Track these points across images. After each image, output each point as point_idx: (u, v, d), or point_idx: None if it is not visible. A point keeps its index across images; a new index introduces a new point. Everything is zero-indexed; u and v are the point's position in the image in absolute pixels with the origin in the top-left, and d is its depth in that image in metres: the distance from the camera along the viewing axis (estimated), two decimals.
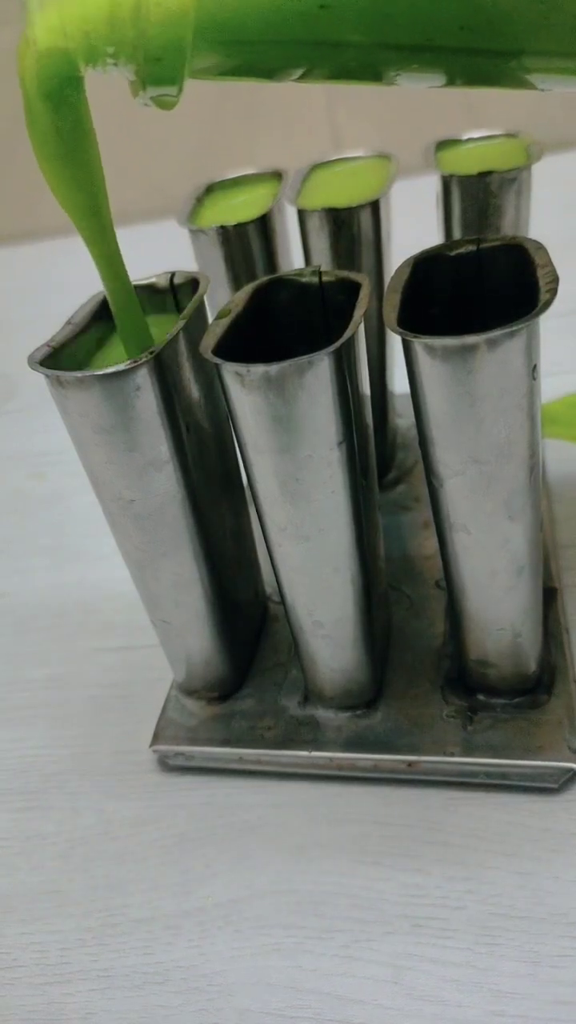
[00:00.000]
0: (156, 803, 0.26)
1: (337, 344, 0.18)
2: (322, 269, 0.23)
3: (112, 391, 0.20)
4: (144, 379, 0.20)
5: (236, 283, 0.30)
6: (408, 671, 0.27)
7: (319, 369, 0.18)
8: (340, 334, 0.19)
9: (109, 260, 0.20)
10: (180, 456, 0.22)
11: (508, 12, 0.15)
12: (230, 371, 0.19)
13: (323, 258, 0.29)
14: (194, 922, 0.23)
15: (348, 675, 0.25)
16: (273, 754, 0.26)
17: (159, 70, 0.16)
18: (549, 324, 0.18)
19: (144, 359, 0.20)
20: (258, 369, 0.18)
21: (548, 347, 0.20)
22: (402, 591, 0.30)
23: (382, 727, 0.25)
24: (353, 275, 0.22)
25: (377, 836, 0.24)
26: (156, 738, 0.27)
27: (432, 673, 0.26)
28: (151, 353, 0.20)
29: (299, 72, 0.17)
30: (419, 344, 0.18)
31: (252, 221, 0.29)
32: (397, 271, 0.21)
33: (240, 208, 0.31)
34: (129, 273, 0.22)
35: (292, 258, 0.32)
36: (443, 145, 0.32)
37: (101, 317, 0.23)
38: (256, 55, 0.16)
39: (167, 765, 0.27)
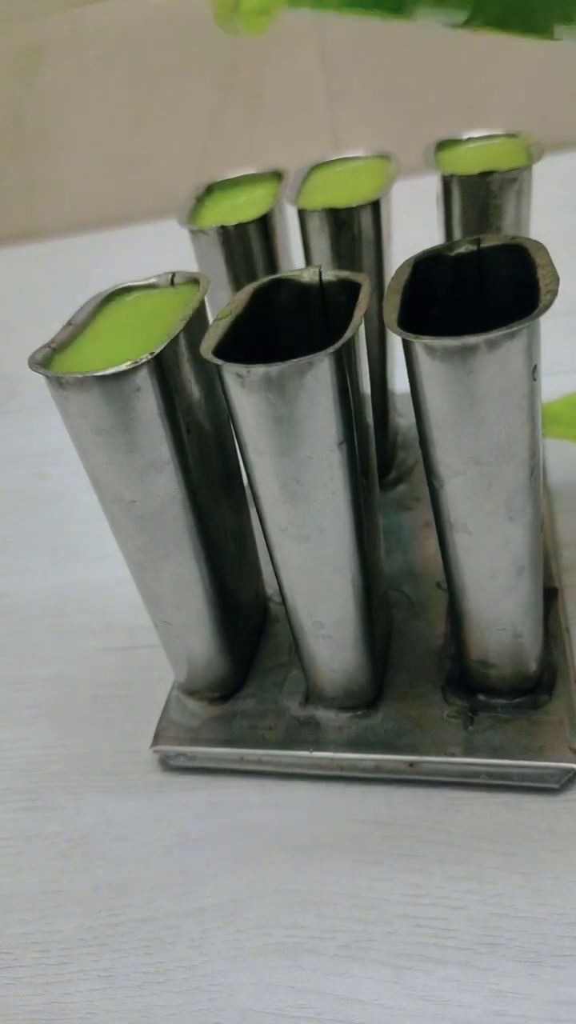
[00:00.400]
0: (157, 803, 0.26)
1: (337, 345, 0.18)
2: (322, 269, 0.23)
3: (112, 392, 0.20)
4: (144, 380, 0.20)
5: (236, 283, 0.30)
6: (409, 671, 0.27)
7: (319, 370, 0.18)
8: (340, 334, 0.19)
9: None
10: (181, 457, 0.22)
11: None
12: (230, 372, 0.19)
13: (323, 258, 0.29)
14: (195, 922, 0.23)
15: (349, 675, 0.25)
16: (274, 754, 0.26)
17: None
18: (550, 324, 0.18)
19: (144, 360, 0.20)
20: (258, 370, 0.18)
21: (549, 347, 0.20)
22: (403, 591, 0.30)
23: (383, 727, 0.25)
24: (353, 275, 0.22)
25: (378, 836, 0.24)
26: (157, 738, 0.27)
27: (433, 673, 0.26)
28: (151, 354, 0.20)
29: None
30: (419, 345, 0.18)
31: (253, 221, 0.29)
32: (397, 271, 0.21)
33: (241, 208, 0.31)
34: (129, 274, 0.22)
35: (292, 258, 0.32)
36: (443, 145, 0.32)
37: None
38: None
39: (168, 765, 0.27)
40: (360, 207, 0.28)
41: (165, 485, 0.22)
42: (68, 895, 0.25)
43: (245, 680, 0.28)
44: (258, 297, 0.23)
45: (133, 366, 0.19)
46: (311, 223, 0.29)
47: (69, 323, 0.23)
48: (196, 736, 0.27)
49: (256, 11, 0.16)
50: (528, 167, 0.28)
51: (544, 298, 0.18)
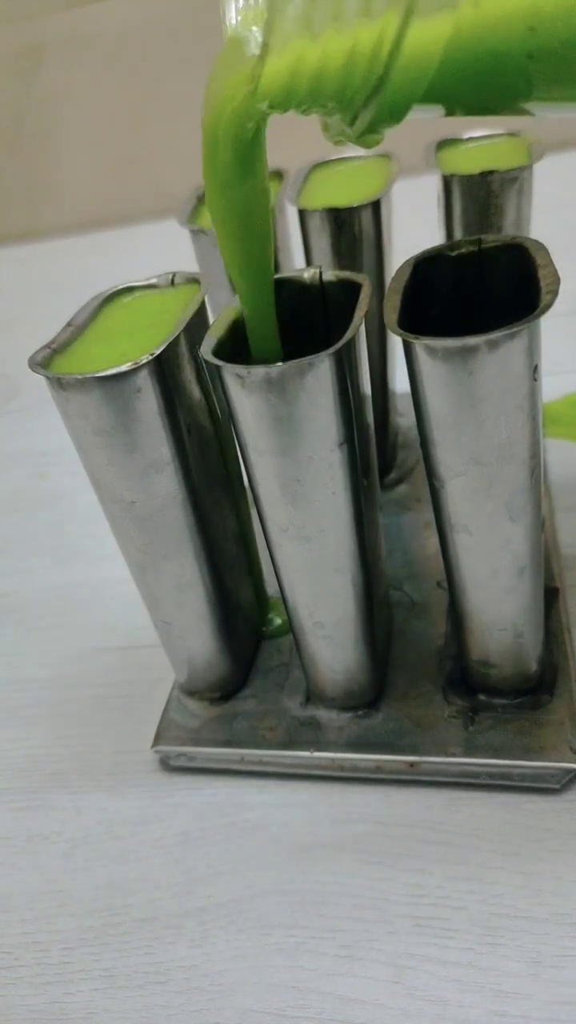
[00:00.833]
0: (158, 803, 0.26)
1: (338, 345, 0.18)
2: (323, 269, 0.23)
3: (112, 393, 0.20)
4: (144, 381, 0.20)
5: None
6: (410, 671, 0.27)
7: (320, 370, 0.18)
8: (341, 334, 0.19)
9: (259, 283, 0.20)
10: (181, 458, 0.22)
11: None
12: (230, 373, 0.19)
13: (324, 258, 0.29)
14: (196, 922, 0.23)
15: (350, 676, 0.25)
16: (275, 755, 0.26)
17: (387, 112, 0.16)
18: (550, 323, 0.18)
19: (145, 360, 0.20)
20: (258, 371, 0.18)
21: (549, 346, 0.20)
22: (403, 591, 0.30)
23: (384, 728, 0.25)
24: (354, 275, 0.22)
25: (379, 836, 0.24)
26: (158, 739, 0.27)
27: (434, 673, 0.26)
28: (152, 354, 0.20)
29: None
30: (420, 345, 0.18)
31: None
32: (398, 271, 0.21)
33: None
34: (130, 274, 0.22)
35: (293, 258, 0.32)
36: (444, 144, 0.32)
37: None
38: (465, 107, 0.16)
39: (169, 765, 0.27)
40: (361, 207, 0.28)
41: (166, 486, 0.22)
42: (69, 895, 0.25)
43: (246, 680, 0.28)
44: None
45: (133, 367, 0.19)
46: (311, 223, 0.29)
47: (69, 323, 0.23)
48: (197, 736, 0.27)
49: (366, 130, 0.16)
50: (529, 166, 0.28)
51: (545, 298, 0.18)
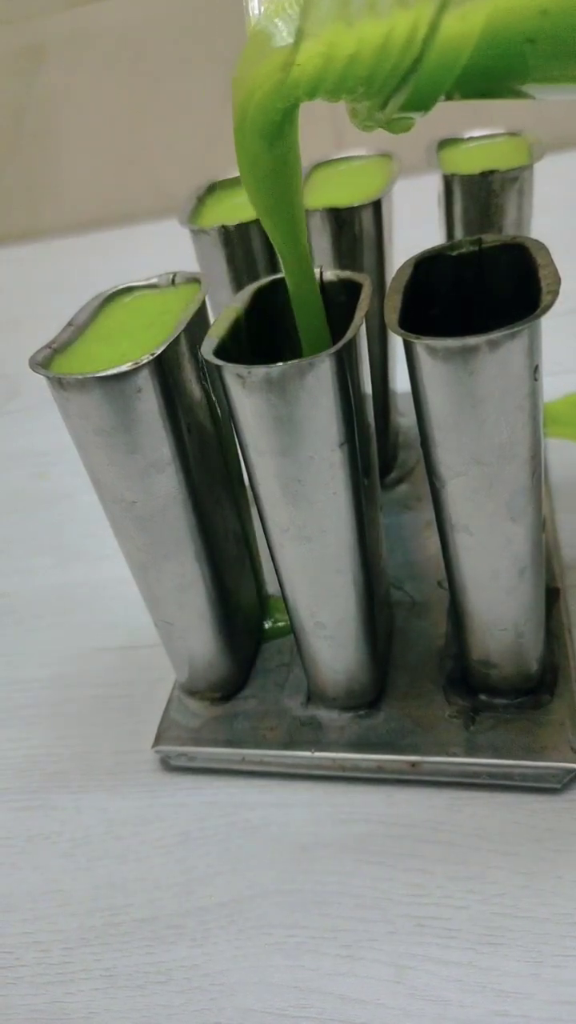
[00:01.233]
0: (158, 803, 0.26)
1: (338, 345, 0.18)
2: (323, 269, 0.23)
3: (113, 393, 0.20)
4: (145, 381, 0.20)
5: (237, 283, 0.30)
6: (410, 671, 0.27)
7: (320, 371, 0.18)
8: (341, 334, 0.19)
9: (300, 265, 0.20)
10: (182, 458, 0.22)
11: None
12: (231, 373, 0.19)
13: (325, 258, 0.29)
14: (197, 921, 0.23)
15: (350, 676, 0.25)
16: (276, 755, 0.26)
17: (417, 98, 0.16)
18: (550, 323, 0.18)
19: (145, 360, 0.20)
20: (259, 371, 0.18)
21: (550, 346, 0.20)
22: (404, 591, 0.30)
23: (385, 727, 0.25)
24: (354, 275, 0.22)
25: (380, 836, 0.24)
26: (159, 739, 0.27)
27: (434, 673, 0.26)
28: (152, 354, 0.20)
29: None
30: (420, 345, 0.18)
31: (254, 221, 0.29)
32: (399, 271, 0.21)
33: (242, 207, 0.31)
34: (130, 274, 0.22)
35: None
36: (445, 144, 0.32)
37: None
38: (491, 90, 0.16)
39: (169, 765, 0.27)
40: (361, 206, 0.28)
41: (166, 486, 0.22)
42: (69, 895, 0.25)
43: (246, 680, 0.28)
44: (259, 297, 0.23)
45: (134, 367, 0.19)
46: (312, 222, 0.28)
47: (70, 323, 0.23)
48: (197, 736, 0.27)
49: (396, 117, 0.16)
50: (530, 166, 0.28)
51: (545, 298, 0.18)
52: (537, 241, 0.20)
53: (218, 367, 0.19)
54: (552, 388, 0.34)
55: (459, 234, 0.30)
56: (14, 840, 0.27)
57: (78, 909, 0.24)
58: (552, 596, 0.28)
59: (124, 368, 0.19)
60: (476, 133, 0.32)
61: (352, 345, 0.19)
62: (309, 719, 0.26)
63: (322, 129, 0.74)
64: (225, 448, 0.25)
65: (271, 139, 0.17)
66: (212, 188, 0.32)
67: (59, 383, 0.20)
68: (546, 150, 0.29)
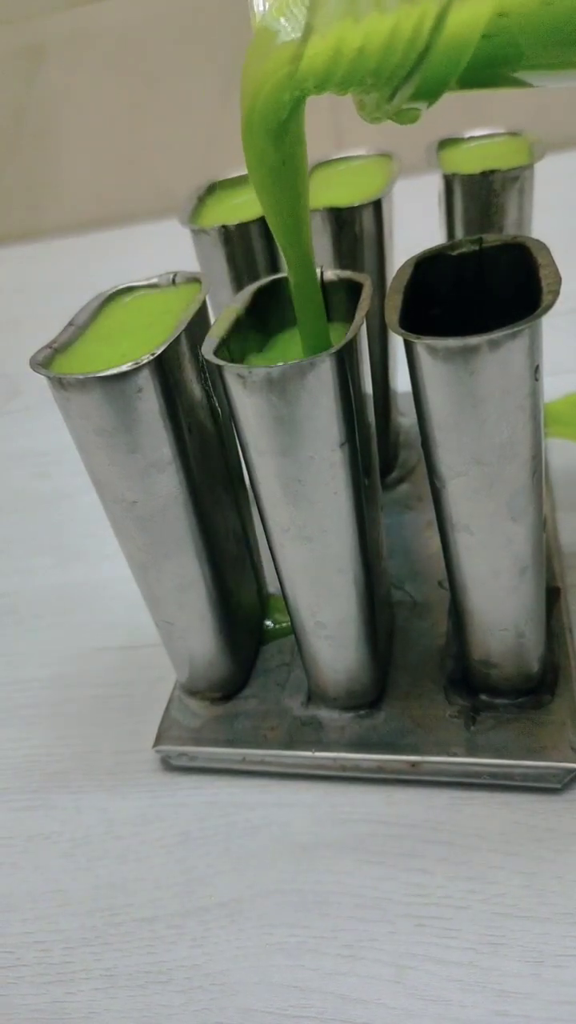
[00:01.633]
0: (159, 802, 0.26)
1: (339, 345, 0.18)
2: (324, 269, 0.23)
3: (113, 393, 0.20)
4: (146, 381, 0.20)
5: (238, 283, 0.30)
6: (411, 671, 0.27)
7: (321, 371, 0.18)
8: (343, 334, 0.19)
9: (303, 262, 0.20)
10: (182, 457, 0.22)
11: None
12: (232, 373, 0.19)
13: (325, 258, 0.29)
14: (197, 921, 0.23)
15: (351, 675, 0.25)
16: (276, 755, 0.26)
17: (425, 89, 0.16)
18: (551, 323, 0.18)
19: (145, 360, 0.20)
20: (260, 371, 0.18)
21: (551, 346, 0.20)
22: (405, 591, 0.30)
23: (385, 727, 0.25)
24: (355, 275, 0.22)
25: (380, 836, 0.24)
26: (159, 738, 0.27)
27: (435, 673, 0.26)
28: (152, 354, 0.20)
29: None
30: (421, 345, 0.18)
31: (254, 220, 0.29)
32: (399, 271, 0.21)
33: (242, 207, 0.31)
34: (130, 273, 0.22)
35: None
36: (445, 144, 0.32)
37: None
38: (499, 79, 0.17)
39: (170, 765, 0.27)
40: (362, 206, 0.28)
41: (167, 485, 0.22)
42: (70, 894, 0.25)
43: (247, 680, 0.28)
44: (260, 297, 0.23)
45: (134, 367, 0.19)
46: (313, 222, 0.28)
47: (70, 323, 0.23)
48: (198, 736, 0.27)
49: (404, 107, 0.17)
50: (530, 166, 0.28)
51: (546, 298, 0.18)
52: (538, 241, 0.20)
53: (219, 367, 0.19)
54: (553, 388, 0.34)
55: (460, 234, 0.30)
56: (14, 840, 0.27)
57: (78, 909, 0.24)
58: (553, 596, 0.28)
59: (125, 368, 0.19)
60: (476, 133, 0.32)
61: (353, 345, 0.19)
62: (310, 719, 0.26)
63: (322, 129, 0.74)
64: (226, 448, 0.25)
65: (278, 133, 0.18)
66: (212, 188, 0.32)
67: (60, 383, 0.20)
68: (547, 150, 0.29)
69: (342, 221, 0.28)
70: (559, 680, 0.25)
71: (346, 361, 0.19)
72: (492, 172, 0.28)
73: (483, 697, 0.25)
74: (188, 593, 0.24)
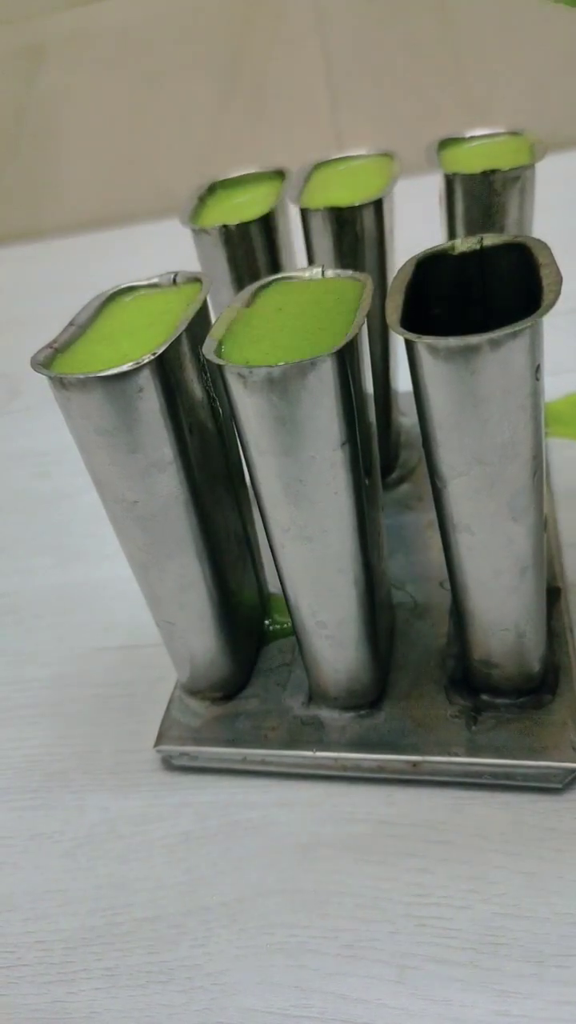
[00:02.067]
0: (160, 802, 0.26)
1: (340, 345, 0.18)
2: (325, 269, 0.23)
3: (114, 393, 0.20)
4: (146, 380, 0.20)
5: (239, 283, 0.30)
6: (412, 671, 0.27)
7: (322, 370, 0.18)
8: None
9: None
10: (183, 457, 0.22)
11: None
12: (232, 372, 0.19)
13: (326, 257, 0.29)
14: (198, 921, 0.23)
15: (352, 675, 0.25)
16: (277, 754, 0.26)
17: None
18: (552, 323, 0.18)
19: (146, 360, 0.20)
20: (260, 370, 0.18)
21: (551, 346, 0.20)
22: (406, 591, 0.30)
23: (386, 727, 0.25)
24: (356, 275, 0.22)
25: (381, 836, 0.24)
26: (160, 738, 0.27)
27: (436, 673, 0.26)
28: (153, 354, 0.20)
29: None
30: (422, 345, 0.18)
31: (255, 220, 0.29)
32: (400, 271, 0.21)
33: (243, 207, 0.31)
34: (131, 273, 0.22)
35: (295, 258, 0.32)
36: (446, 144, 0.32)
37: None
38: None
39: (171, 765, 0.27)
40: (362, 206, 0.28)
41: (167, 485, 0.22)
42: (71, 894, 0.25)
43: (248, 680, 0.28)
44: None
45: (135, 366, 0.19)
46: (313, 222, 0.28)
47: (71, 323, 0.23)
48: (199, 736, 0.27)
49: None
50: (531, 166, 0.28)
51: (547, 297, 0.18)
52: (539, 240, 0.20)
53: (219, 367, 0.19)
54: (554, 388, 0.34)
55: (460, 234, 0.30)
56: (16, 840, 0.27)
57: (79, 909, 0.24)
58: (553, 596, 0.28)
59: (125, 368, 0.19)
60: (477, 132, 0.32)
61: (354, 345, 0.19)
62: (310, 719, 0.26)
63: (323, 129, 0.74)
64: (227, 448, 0.25)
65: None
66: (213, 188, 0.32)
67: (60, 383, 0.20)
68: (547, 149, 0.29)
69: (343, 221, 0.28)
70: (560, 680, 0.25)
71: (347, 361, 0.19)
72: (493, 172, 0.28)
73: (484, 697, 0.25)
74: (189, 593, 0.24)
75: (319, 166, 0.33)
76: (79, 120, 0.78)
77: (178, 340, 0.21)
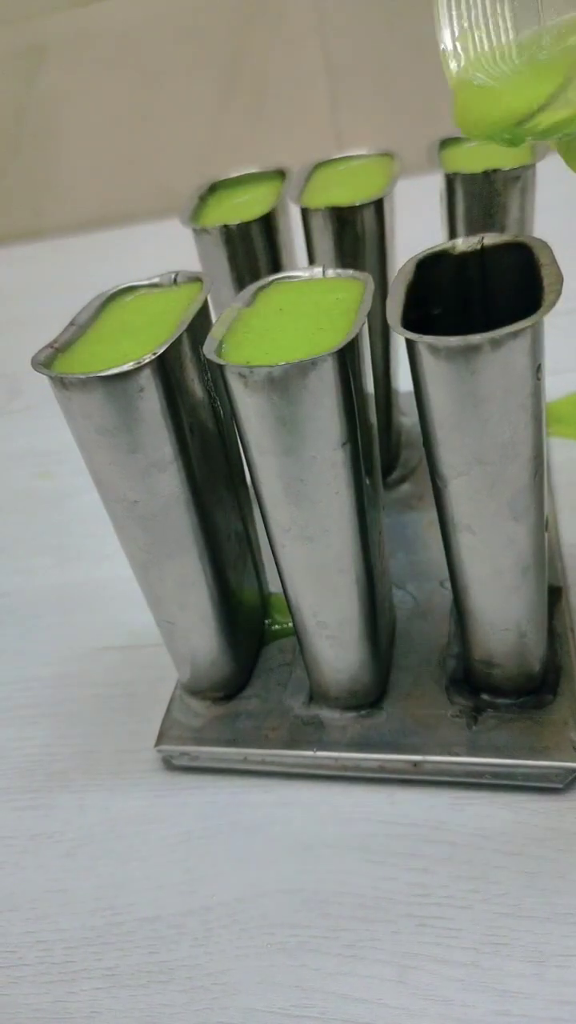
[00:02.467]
0: (161, 802, 0.26)
1: (341, 345, 0.18)
2: (325, 268, 0.23)
3: (115, 392, 0.20)
4: (147, 380, 0.20)
5: (239, 283, 0.30)
6: (413, 671, 0.27)
7: (322, 370, 0.18)
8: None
9: None
10: (184, 457, 0.22)
11: None
12: (233, 372, 0.19)
13: (327, 257, 0.29)
14: (199, 921, 0.23)
15: (353, 675, 0.25)
16: (278, 754, 0.26)
17: None
18: (553, 322, 0.18)
19: (147, 360, 0.20)
20: (261, 370, 0.18)
21: (552, 345, 0.20)
22: (407, 591, 0.30)
23: (387, 727, 0.25)
24: (357, 274, 0.22)
25: (382, 836, 0.24)
26: (161, 738, 0.27)
27: (437, 673, 0.26)
28: (154, 354, 0.20)
29: None
30: (423, 344, 0.18)
31: (256, 220, 0.29)
32: (401, 270, 0.21)
33: (243, 207, 0.31)
34: (131, 273, 0.22)
35: (296, 257, 0.32)
36: (447, 143, 0.32)
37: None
38: None
39: (172, 765, 0.27)
40: (363, 206, 0.28)
41: (168, 485, 0.22)
42: (72, 894, 0.25)
43: (249, 680, 0.28)
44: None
45: (136, 366, 0.19)
46: (314, 222, 0.28)
47: (72, 323, 0.23)
48: (200, 736, 0.27)
49: None
50: (532, 165, 0.28)
51: (548, 297, 0.18)
52: (540, 240, 0.20)
53: (220, 366, 0.19)
54: (555, 388, 0.34)
55: (461, 233, 0.30)
56: (16, 840, 0.27)
57: (80, 908, 0.24)
58: (555, 595, 0.28)
59: (126, 367, 0.19)
60: None
61: (354, 344, 0.19)
62: (311, 719, 0.26)
63: (324, 129, 0.74)
64: (227, 447, 0.25)
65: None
66: (214, 187, 0.32)
67: (61, 383, 0.20)
68: (548, 149, 0.29)
69: (344, 221, 0.28)
70: (561, 680, 0.25)
71: (348, 360, 0.19)
72: (494, 171, 0.28)
73: (485, 697, 0.25)
74: (189, 593, 0.24)
75: (319, 166, 0.33)
76: (79, 120, 0.78)
77: (179, 340, 0.21)
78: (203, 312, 0.23)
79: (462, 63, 0.19)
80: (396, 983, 0.20)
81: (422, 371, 0.18)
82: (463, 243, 0.21)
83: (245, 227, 0.29)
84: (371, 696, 0.26)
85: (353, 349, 0.19)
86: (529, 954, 0.20)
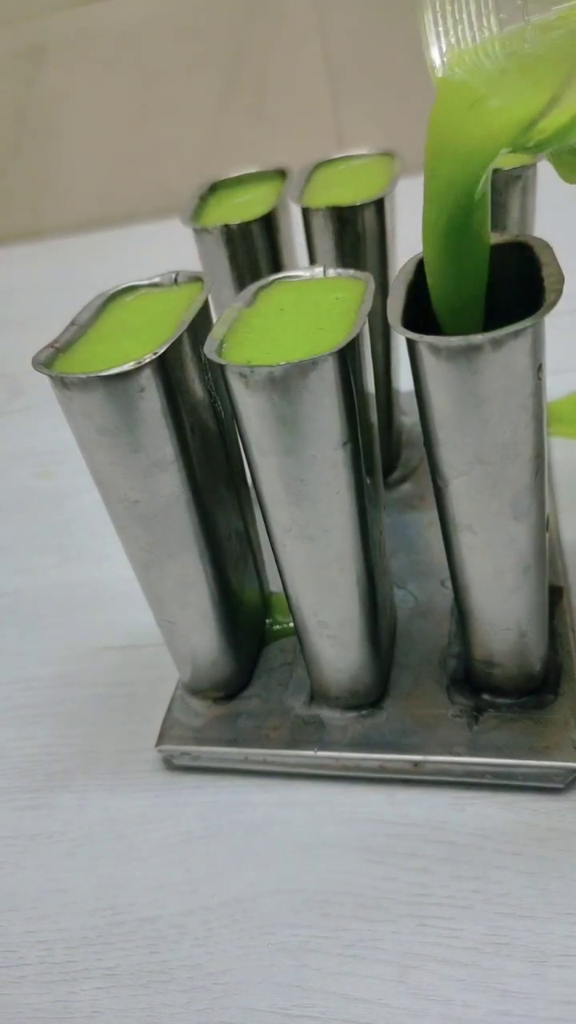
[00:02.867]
0: (162, 802, 0.26)
1: (341, 344, 0.18)
2: (326, 268, 0.23)
3: (116, 392, 0.20)
4: (148, 380, 0.20)
5: (240, 282, 0.30)
6: (413, 671, 0.27)
7: (323, 370, 0.18)
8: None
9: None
10: (184, 457, 0.22)
11: None
12: (234, 372, 0.19)
13: (327, 257, 0.29)
14: (199, 921, 0.23)
15: (353, 675, 0.25)
16: (279, 754, 0.26)
17: None
18: (554, 322, 0.18)
19: (148, 360, 0.20)
20: (262, 370, 0.18)
21: (553, 345, 0.20)
22: (407, 591, 0.30)
23: (388, 727, 0.25)
24: (357, 274, 0.22)
25: (383, 836, 0.24)
26: (162, 738, 0.27)
27: (438, 673, 0.26)
28: (155, 354, 0.20)
29: None
30: (423, 344, 0.18)
31: (256, 220, 0.29)
32: (402, 270, 0.21)
33: (244, 207, 0.31)
34: (132, 273, 0.22)
35: (296, 257, 0.32)
36: None
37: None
38: None
39: (172, 764, 0.27)
40: (364, 205, 0.28)
41: (169, 485, 0.22)
42: (72, 894, 0.25)
43: (249, 680, 0.28)
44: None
45: (137, 366, 0.19)
46: (315, 221, 0.28)
47: (73, 323, 0.23)
48: (200, 736, 0.27)
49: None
50: (533, 165, 0.28)
51: (549, 297, 0.18)
52: (540, 239, 0.20)
53: (221, 366, 0.19)
54: (555, 387, 0.34)
55: None
56: (17, 839, 0.27)
57: (81, 908, 0.24)
58: (556, 595, 0.28)
59: (127, 367, 0.19)
60: None
61: (355, 344, 0.19)
62: (312, 718, 0.26)
63: (324, 128, 0.74)
64: (228, 447, 0.25)
65: (475, 190, 0.18)
66: (214, 187, 0.32)
67: (62, 382, 0.20)
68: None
69: (344, 220, 0.28)
70: (562, 680, 0.25)
71: (348, 360, 0.19)
72: (495, 171, 0.28)
73: (485, 697, 0.25)
74: (190, 592, 0.24)
75: (320, 165, 0.33)
76: (79, 120, 0.78)
77: (179, 340, 0.21)
78: (204, 312, 0.23)
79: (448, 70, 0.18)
80: (397, 983, 0.20)
81: (423, 371, 0.18)
82: None
83: (246, 227, 0.29)
84: (372, 696, 0.26)
85: (354, 349, 0.19)
86: (530, 954, 0.20)
